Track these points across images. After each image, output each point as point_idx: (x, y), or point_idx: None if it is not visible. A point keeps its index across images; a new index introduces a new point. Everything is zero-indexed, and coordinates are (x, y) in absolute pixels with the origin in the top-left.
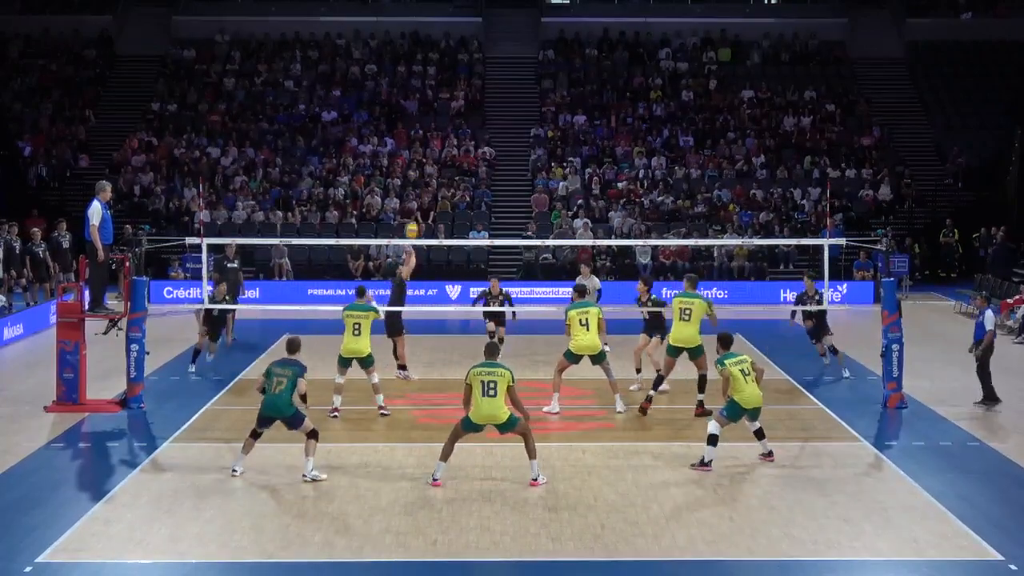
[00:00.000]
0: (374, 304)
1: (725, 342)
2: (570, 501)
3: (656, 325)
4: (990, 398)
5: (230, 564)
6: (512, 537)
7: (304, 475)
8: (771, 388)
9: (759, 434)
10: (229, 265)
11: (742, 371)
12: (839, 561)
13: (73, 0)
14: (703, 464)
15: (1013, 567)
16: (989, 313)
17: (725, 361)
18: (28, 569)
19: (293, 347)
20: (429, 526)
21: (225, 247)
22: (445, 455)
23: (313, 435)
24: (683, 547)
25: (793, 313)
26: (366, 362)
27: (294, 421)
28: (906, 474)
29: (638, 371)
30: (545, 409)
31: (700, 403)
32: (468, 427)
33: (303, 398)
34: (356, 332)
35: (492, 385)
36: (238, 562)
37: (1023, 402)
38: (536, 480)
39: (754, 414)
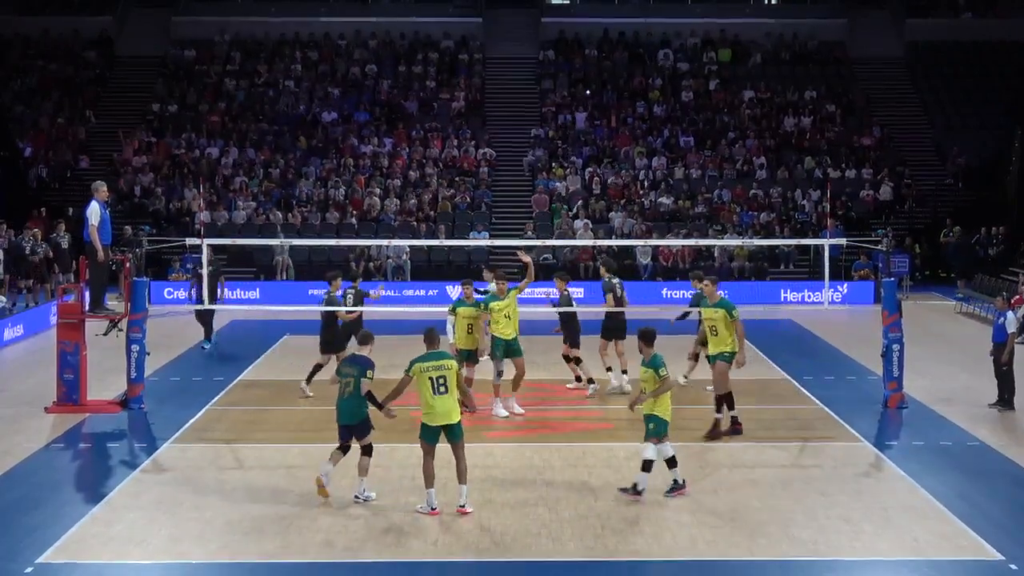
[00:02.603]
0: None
1: (649, 339)
2: (570, 501)
3: (615, 327)
4: (1006, 403)
5: (230, 564)
6: (512, 537)
7: (356, 495)
8: (771, 388)
9: (672, 462)
10: (202, 271)
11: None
12: (839, 561)
13: (73, 1)
14: (678, 488)
15: (1013, 567)
16: (1010, 315)
17: (660, 365)
18: (29, 569)
19: (364, 340)
20: (429, 526)
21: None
22: (429, 481)
23: (367, 451)
24: (683, 547)
25: (685, 314)
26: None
27: (360, 430)
28: (906, 474)
29: (608, 369)
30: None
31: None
32: (429, 438)
33: (369, 397)
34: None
35: (442, 381)
36: (238, 562)
37: (1021, 402)
38: (463, 507)
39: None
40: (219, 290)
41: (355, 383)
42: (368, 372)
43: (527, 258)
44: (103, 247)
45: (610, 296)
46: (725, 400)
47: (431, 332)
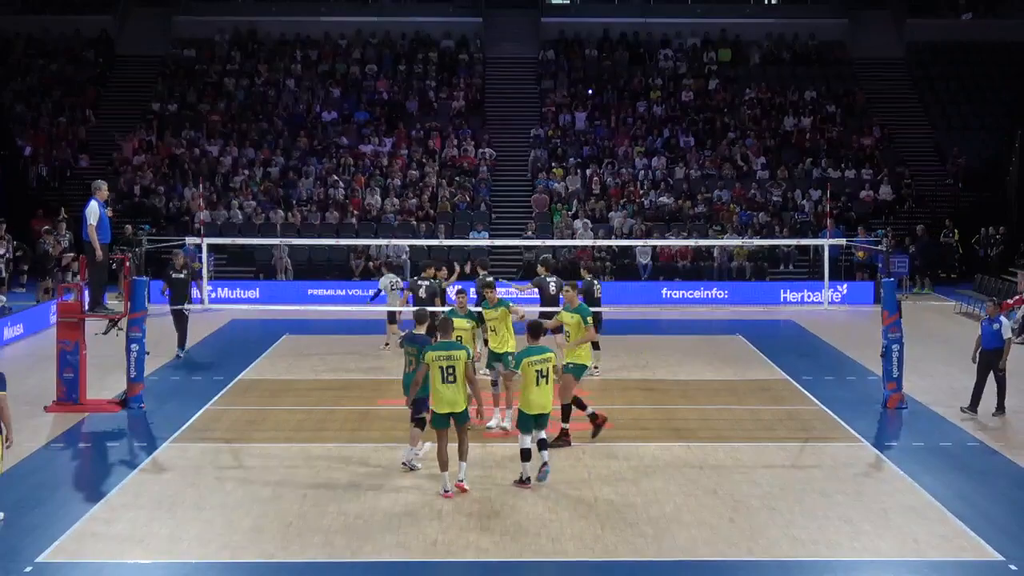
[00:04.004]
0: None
1: (535, 332)
2: (570, 501)
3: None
4: (973, 407)
5: (230, 564)
6: (512, 537)
7: (403, 462)
8: (771, 388)
9: (541, 444)
10: (175, 276)
11: (539, 372)
12: (839, 561)
13: (73, 0)
14: (521, 482)
15: (1013, 567)
16: (1005, 321)
17: (522, 358)
18: (28, 569)
19: (420, 318)
20: (429, 526)
21: (173, 257)
22: (443, 466)
23: (420, 424)
24: (683, 547)
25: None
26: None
27: (419, 405)
28: (906, 474)
29: None
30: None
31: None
32: (438, 423)
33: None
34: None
35: (451, 371)
36: (238, 562)
37: (1022, 403)
38: (462, 482)
39: (541, 421)
40: (192, 291)
41: (417, 360)
42: (426, 349)
43: (521, 311)
44: (101, 246)
45: (540, 291)
46: (566, 410)
47: (444, 322)
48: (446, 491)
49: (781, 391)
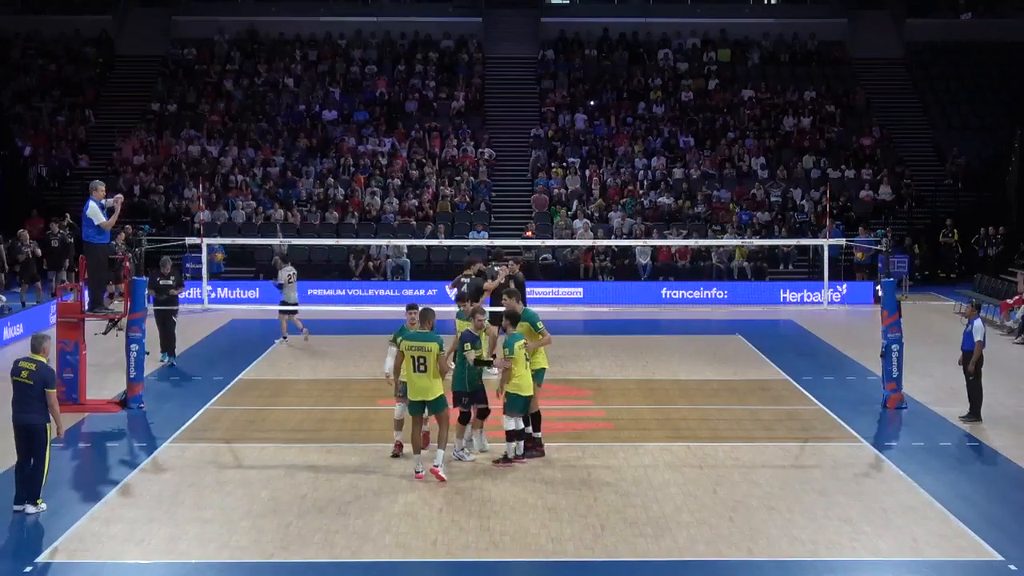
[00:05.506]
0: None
1: (513, 319)
2: (570, 501)
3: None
4: (976, 415)
5: (230, 564)
6: (512, 537)
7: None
8: (771, 388)
9: (510, 436)
10: (162, 282)
11: (525, 356)
12: (839, 561)
13: (73, 0)
14: (506, 460)
15: (1013, 567)
16: (978, 323)
17: (514, 343)
18: (28, 569)
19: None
20: (429, 526)
21: (160, 263)
22: (416, 448)
23: (463, 418)
24: (683, 547)
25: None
26: None
27: (458, 397)
28: (906, 474)
29: None
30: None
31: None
32: (412, 409)
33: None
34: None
35: (422, 361)
36: (238, 562)
37: (1022, 403)
38: (437, 467)
39: (530, 404)
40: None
41: (457, 353)
42: (467, 344)
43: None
44: (102, 246)
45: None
46: (536, 419)
47: (426, 311)
48: (417, 472)
49: (781, 391)
